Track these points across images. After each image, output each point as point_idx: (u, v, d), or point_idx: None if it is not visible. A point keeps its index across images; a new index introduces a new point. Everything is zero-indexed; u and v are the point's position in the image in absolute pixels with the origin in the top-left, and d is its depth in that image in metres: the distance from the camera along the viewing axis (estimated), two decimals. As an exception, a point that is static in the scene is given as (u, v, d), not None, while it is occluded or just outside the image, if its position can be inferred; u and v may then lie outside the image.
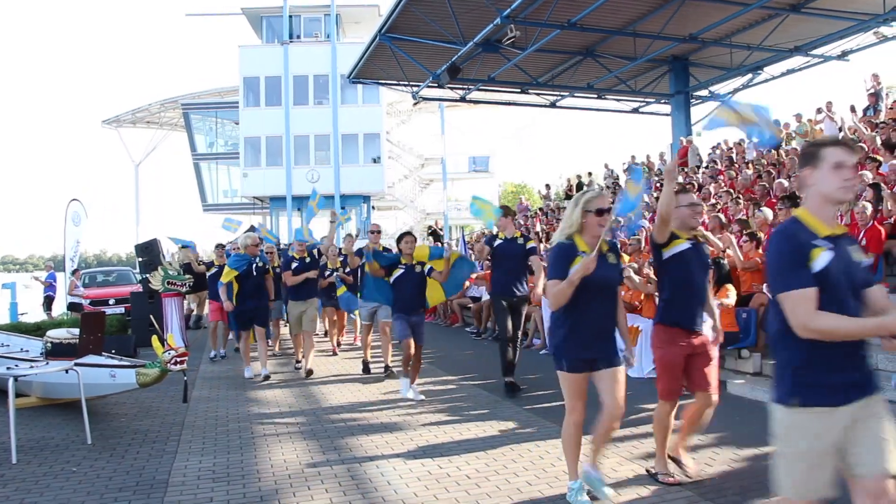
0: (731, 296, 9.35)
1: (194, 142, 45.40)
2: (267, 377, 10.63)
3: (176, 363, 7.03)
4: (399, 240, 9.37)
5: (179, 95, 46.55)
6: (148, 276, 15.47)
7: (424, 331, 9.23)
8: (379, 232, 11.13)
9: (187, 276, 14.75)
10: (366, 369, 11.19)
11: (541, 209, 27.29)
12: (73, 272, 20.65)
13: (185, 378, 7.69)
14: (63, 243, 20.29)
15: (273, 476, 5.94)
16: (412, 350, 8.92)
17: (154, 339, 7.27)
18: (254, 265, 10.97)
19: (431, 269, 9.07)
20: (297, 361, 11.84)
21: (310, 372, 10.87)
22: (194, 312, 18.42)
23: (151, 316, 9.61)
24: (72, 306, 18.88)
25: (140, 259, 18.17)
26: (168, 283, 14.26)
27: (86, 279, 23.05)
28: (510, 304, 9.21)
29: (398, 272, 9.08)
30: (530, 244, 9.37)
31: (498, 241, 9.33)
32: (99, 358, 8.19)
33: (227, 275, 10.87)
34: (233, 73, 43.56)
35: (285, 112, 38.51)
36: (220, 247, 14.95)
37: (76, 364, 7.52)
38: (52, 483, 6.04)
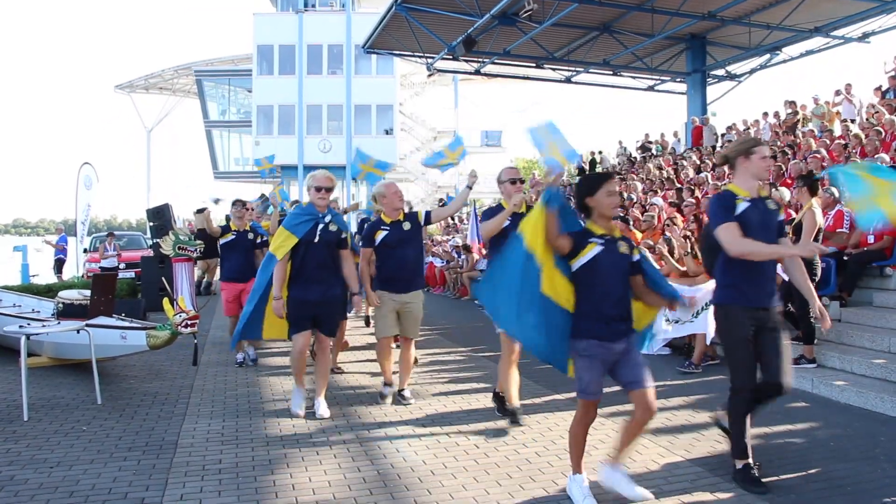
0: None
1: (207, 109, 45.36)
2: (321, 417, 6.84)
3: (187, 326, 7.04)
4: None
5: (193, 62, 46.45)
6: (159, 240, 15.48)
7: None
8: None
9: (198, 242, 14.74)
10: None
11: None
12: (108, 235, 20.76)
13: (196, 341, 7.72)
14: (74, 207, 20.32)
15: (281, 441, 5.96)
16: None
17: (165, 301, 7.29)
18: (321, 226, 6.70)
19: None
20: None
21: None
22: (205, 279, 18.47)
23: (164, 279, 9.61)
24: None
25: (151, 224, 18.19)
26: (179, 248, 14.23)
27: (96, 243, 23.14)
28: None
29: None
30: None
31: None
32: (110, 319, 8.22)
33: (282, 245, 6.63)
34: (247, 41, 43.39)
35: (299, 81, 38.37)
36: (239, 204, 10.11)
37: (87, 325, 7.53)
38: (62, 441, 6.08)
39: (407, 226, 7.13)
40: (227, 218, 10.28)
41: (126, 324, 8.01)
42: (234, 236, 9.74)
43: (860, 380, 7.53)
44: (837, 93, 18.29)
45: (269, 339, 7.86)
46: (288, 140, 38.44)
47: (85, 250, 21.44)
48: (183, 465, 5.41)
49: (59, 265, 22.52)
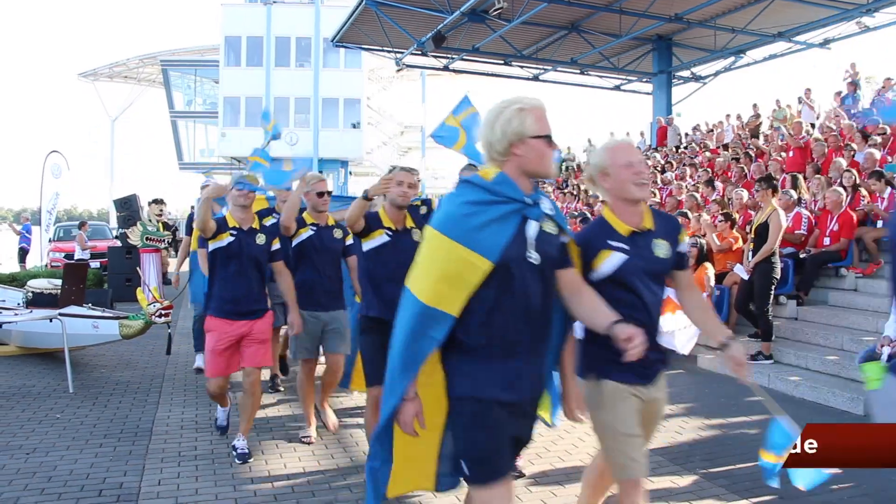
0: (709, 274, 9.60)
1: (172, 99, 44.95)
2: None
3: (160, 315, 7.12)
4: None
5: (159, 52, 46.03)
6: (126, 231, 15.44)
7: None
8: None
9: (166, 233, 14.74)
10: None
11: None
12: (81, 225, 20.55)
13: (169, 331, 7.78)
14: (40, 195, 20.11)
15: (255, 430, 6.06)
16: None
17: (139, 291, 7.35)
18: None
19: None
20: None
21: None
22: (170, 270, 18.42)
23: (138, 269, 9.64)
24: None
25: (119, 214, 18.08)
26: (147, 238, 14.25)
27: (60, 233, 22.89)
28: None
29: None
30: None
31: None
32: (82, 309, 8.26)
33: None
34: (214, 32, 43.04)
35: (266, 73, 38.20)
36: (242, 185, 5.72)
37: (61, 314, 7.58)
38: (37, 428, 6.14)
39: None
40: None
41: (98, 313, 8.05)
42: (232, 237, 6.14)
43: (814, 375, 7.85)
44: (799, 100, 18.75)
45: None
46: (254, 132, 38.20)
47: (49, 240, 21.21)
48: (159, 451, 5.52)
49: (22, 254, 22.27)
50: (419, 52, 24.07)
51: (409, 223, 4.86)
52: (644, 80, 26.87)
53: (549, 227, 2.75)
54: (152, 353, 9.33)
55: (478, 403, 2.63)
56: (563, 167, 24.99)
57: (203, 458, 5.38)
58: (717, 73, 25.66)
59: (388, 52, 25.88)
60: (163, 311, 7.12)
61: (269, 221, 6.21)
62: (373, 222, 4.77)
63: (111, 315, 8.01)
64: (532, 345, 2.71)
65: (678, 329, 8.29)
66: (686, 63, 25.07)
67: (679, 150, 20.60)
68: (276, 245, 5.48)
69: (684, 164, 17.64)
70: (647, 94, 26.98)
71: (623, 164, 3.12)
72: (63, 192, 21.19)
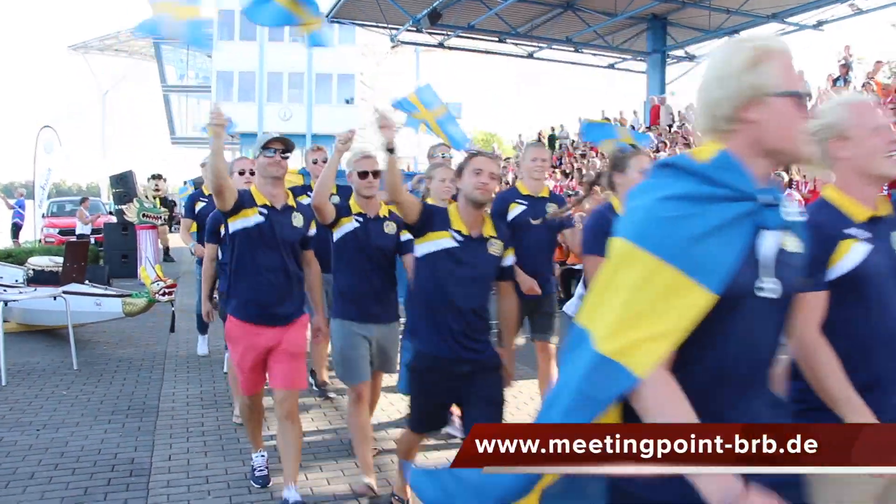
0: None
1: (164, 73, 44.73)
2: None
3: (164, 294, 7.25)
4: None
5: (151, 24, 45.61)
6: (123, 207, 15.52)
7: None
8: None
9: (163, 209, 14.85)
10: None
11: (508, 159, 27.49)
12: (82, 201, 20.56)
13: (173, 308, 7.91)
14: (33, 171, 20.11)
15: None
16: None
17: (142, 269, 7.49)
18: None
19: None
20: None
21: None
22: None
23: (142, 246, 9.71)
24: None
25: (115, 190, 18.14)
26: (143, 215, 14.36)
27: (54, 208, 22.90)
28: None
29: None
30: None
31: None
32: (84, 286, 8.38)
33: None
34: (207, 4, 42.72)
35: (260, 48, 38.04)
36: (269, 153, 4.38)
37: (65, 292, 7.69)
38: (44, 404, 6.28)
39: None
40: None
41: (101, 291, 8.18)
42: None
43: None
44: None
45: None
46: (248, 107, 38.13)
47: (43, 215, 21.23)
48: (167, 427, 5.68)
49: (15, 229, 22.29)
50: (414, 29, 24.06)
51: (489, 230, 3.77)
52: (638, 58, 26.90)
53: (792, 244, 1.78)
54: (153, 330, 9.45)
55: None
56: (557, 145, 25.09)
57: (211, 433, 5.54)
58: (711, 53, 25.72)
59: (384, 28, 25.84)
60: (167, 290, 7.25)
61: (304, 200, 4.94)
62: (436, 221, 3.70)
63: (114, 293, 8.14)
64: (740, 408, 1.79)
65: None
66: (680, 42, 25.11)
67: (672, 130, 20.71)
68: (313, 229, 4.36)
69: (677, 144, 17.77)
70: (641, 72, 27.01)
71: (871, 127, 2.36)
72: (55, 167, 21.16)
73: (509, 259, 3.86)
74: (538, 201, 5.33)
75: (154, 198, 15.10)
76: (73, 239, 15.59)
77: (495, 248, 3.75)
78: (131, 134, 56.97)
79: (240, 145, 40.24)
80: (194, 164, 38.88)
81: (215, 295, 5.44)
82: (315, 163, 6.29)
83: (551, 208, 5.25)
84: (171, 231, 18.95)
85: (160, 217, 14.71)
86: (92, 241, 17.91)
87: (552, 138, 26.68)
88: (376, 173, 4.51)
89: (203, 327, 8.02)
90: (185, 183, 23.67)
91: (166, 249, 18.35)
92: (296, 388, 4.23)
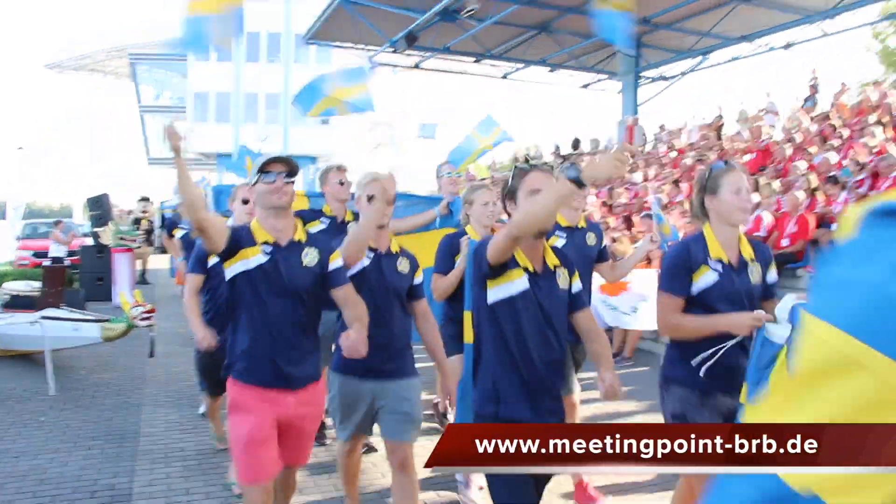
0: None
1: (140, 93, 44.61)
2: None
3: (143, 319, 7.27)
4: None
5: (127, 44, 45.61)
6: (98, 230, 15.46)
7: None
8: None
9: (139, 232, 14.83)
10: None
11: (483, 179, 27.66)
12: (56, 224, 20.41)
13: (152, 334, 7.91)
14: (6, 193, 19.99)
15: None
16: None
17: (122, 294, 7.50)
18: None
19: None
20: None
21: None
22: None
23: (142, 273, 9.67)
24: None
25: (91, 213, 18.07)
26: (120, 237, 14.34)
27: (27, 230, 22.72)
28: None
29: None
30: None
31: None
32: (62, 311, 8.36)
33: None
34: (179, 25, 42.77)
35: (236, 68, 38.08)
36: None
37: (43, 317, 7.69)
38: (22, 431, 6.28)
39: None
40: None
41: (79, 316, 8.18)
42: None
43: (774, 373, 8.20)
44: (762, 111, 19.25)
45: None
46: (223, 127, 38.12)
47: (17, 237, 21.06)
48: (147, 452, 5.70)
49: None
50: (391, 51, 24.25)
51: (552, 259, 3.16)
52: (612, 79, 27.27)
53: None
54: (131, 355, 9.42)
55: None
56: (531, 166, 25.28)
57: (191, 458, 5.57)
58: (683, 74, 26.13)
59: (361, 49, 26.03)
60: (146, 315, 7.27)
61: (314, 227, 4.75)
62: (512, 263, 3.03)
63: (92, 318, 8.13)
64: None
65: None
66: (653, 63, 25.49)
67: (645, 150, 21.00)
68: (335, 262, 3.49)
69: (651, 164, 18.04)
70: (615, 93, 27.39)
71: None
72: (27, 188, 21.04)
73: (577, 285, 3.24)
74: (576, 232, 4.71)
75: (141, 220, 15.13)
76: (48, 262, 15.51)
77: (563, 279, 3.16)
78: (106, 153, 56.58)
79: (216, 165, 40.17)
80: (171, 185, 38.73)
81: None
82: (342, 184, 5.18)
83: (591, 239, 4.74)
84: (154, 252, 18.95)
85: (136, 240, 14.69)
86: (67, 263, 17.84)
87: (526, 159, 26.92)
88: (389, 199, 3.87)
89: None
90: (160, 205, 23.62)
91: (143, 272, 18.28)
92: (299, 465, 3.70)
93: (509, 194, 3.18)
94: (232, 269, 3.32)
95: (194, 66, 38.65)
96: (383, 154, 47.20)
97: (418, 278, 4.00)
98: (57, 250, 18.44)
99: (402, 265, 3.95)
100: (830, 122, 14.18)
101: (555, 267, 3.13)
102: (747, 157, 14.31)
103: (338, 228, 4.94)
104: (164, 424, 6.45)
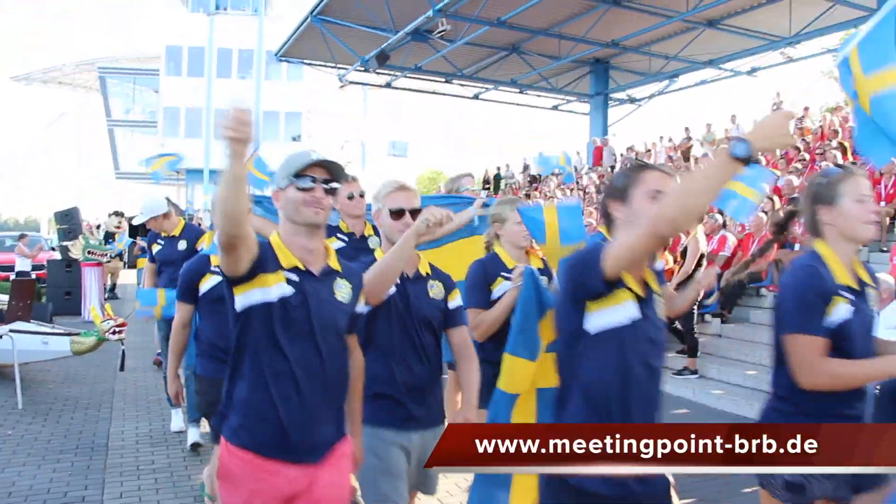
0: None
1: (109, 107, 44.34)
2: None
3: (115, 332, 7.28)
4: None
5: (96, 58, 45.39)
6: (68, 244, 15.35)
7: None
8: None
9: (108, 247, 14.76)
10: None
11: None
12: (20, 237, 20.16)
13: (123, 347, 7.90)
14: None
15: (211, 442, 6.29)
16: None
17: (93, 308, 7.50)
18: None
19: None
20: None
21: None
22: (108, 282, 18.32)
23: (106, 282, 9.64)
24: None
25: (59, 227, 17.91)
26: (89, 252, 14.26)
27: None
28: None
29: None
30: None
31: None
32: (31, 325, 8.33)
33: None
34: (155, 40, 42.65)
35: (207, 84, 38.01)
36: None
37: (12, 331, 7.67)
38: (-11, 444, 6.25)
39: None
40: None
41: (49, 329, 8.15)
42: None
43: (735, 389, 8.44)
44: (728, 131, 19.68)
45: None
46: (194, 143, 37.98)
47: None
48: (117, 465, 5.71)
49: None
50: (362, 69, 24.42)
51: (654, 281, 2.47)
52: (581, 100, 27.68)
53: None
54: (99, 368, 9.40)
55: None
56: (503, 184, 25.54)
57: (162, 470, 5.59)
58: (651, 96, 26.63)
59: (332, 67, 26.18)
60: (117, 328, 7.28)
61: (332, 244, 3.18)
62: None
63: (62, 331, 8.11)
64: None
65: None
66: (622, 86, 25.96)
67: (615, 171, 21.32)
68: (362, 304, 2.79)
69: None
70: (584, 114, 27.80)
71: None
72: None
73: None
74: None
75: (114, 235, 15.03)
76: (12, 275, 15.36)
77: (661, 309, 2.49)
78: (74, 167, 56.04)
79: (185, 181, 39.97)
80: (140, 200, 38.42)
81: (180, 371, 4.55)
82: (350, 198, 4.42)
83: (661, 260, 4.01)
84: (125, 267, 18.86)
85: (106, 254, 14.61)
86: (33, 276, 17.67)
87: (497, 178, 27.14)
88: (415, 212, 3.16)
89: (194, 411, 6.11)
90: (129, 223, 23.44)
91: (112, 286, 18.14)
92: None
93: (617, 193, 2.49)
94: (245, 298, 2.48)
95: (165, 81, 38.54)
96: (352, 171, 47.20)
97: (454, 301, 3.26)
98: (22, 264, 18.27)
99: (435, 290, 3.23)
100: (794, 146, 14.56)
101: (654, 293, 2.44)
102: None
103: (358, 245, 4.27)
104: (134, 437, 6.46)
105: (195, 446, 6.03)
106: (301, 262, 2.55)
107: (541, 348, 3.06)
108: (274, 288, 2.47)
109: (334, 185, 2.59)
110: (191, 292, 4.22)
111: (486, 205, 4.91)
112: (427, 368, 3.15)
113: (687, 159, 18.83)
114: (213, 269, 4.20)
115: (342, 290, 2.65)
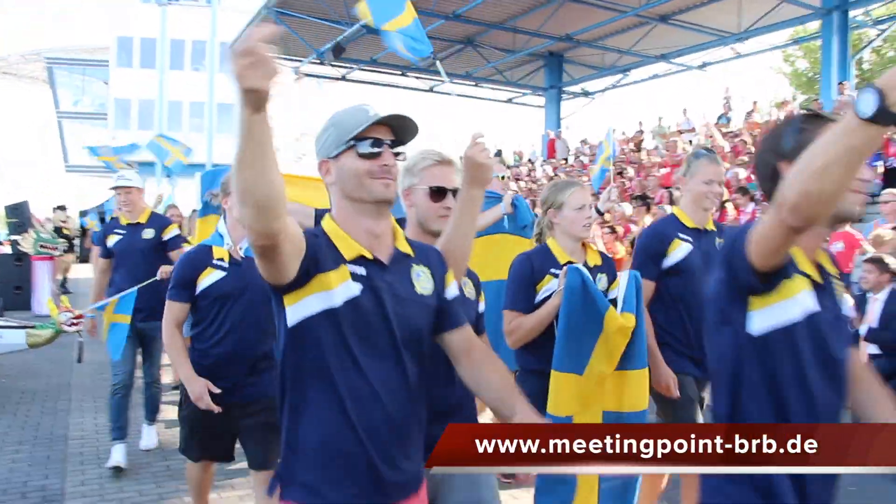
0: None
1: (58, 98, 43.51)
2: None
3: (72, 325, 7.25)
4: None
5: (44, 49, 44.48)
6: (18, 237, 15.15)
7: None
8: None
9: (60, 240, 14.60)
10: None
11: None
12: None
13: (81, 339, 7.87)
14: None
15: (171, 433, 6.31)
16: None
17: (49, 301, 7.47)
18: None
19: None
20: None
21: None
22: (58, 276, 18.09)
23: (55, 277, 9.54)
24: None
25: (9, 220, 17.64)
26: (41, 245, 14.09)
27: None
28: None
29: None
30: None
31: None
32: (-16, 318, 8.27)
33: None
34: (105, 30, 41.92)
35: (160, 75, 37.53)
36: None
37: (-35, 324, 7.61)
38: (-54, 437, 6.24)
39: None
40: None
41: (2, 322, 8.09)
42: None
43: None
44: (681, 132, 20.08)
45: None
46: (146, 135, 37.44)
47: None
48: (77, 455, 5.76)
49: None
50: (318, 62, 24.37)
51: (829, 264, 2.04)
52: (536, 93, 27.96)
53: None
54: (54, 361, 9.34)
55: None
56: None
57: (122, 460, 5.63)
58: (604, 90, 27.02)
59: (287, 59, 26.05)
60: (74, 321, 7.25)
61: None
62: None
63: (16, 324, 8.06)
64: None
65: None
66: (576, 79, 26.29)
67: (568, 163, 21.62)
68: (452, 288, 2.21)
69: (572, 177, 18.60)
70: (539, 107, 28.10)
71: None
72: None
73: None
74: (705, 236, 3.72)
75: (62, 229, 14.85)
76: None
77: (839, 295, 2.02)
78: (20, 160, 54.89)
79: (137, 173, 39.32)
80: (91, 193, 37.83)
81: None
82: None
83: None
84: (76, 261, 18.64)
85: (57, 248, 14.45)
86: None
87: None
88: (455, 192, 2.55)
89: (152, 413, 6.10)
90: (82, 214, 23.16)
91: (64, 281, 17.92)
92: None
93: (789, 153, 1.83)
94: (298, 310, 1.90)
95: (116, 73, 37.94)
96: (308, 163, 47.04)
97: (482, 304, 2.79)
98: None
99: (468, 289, 2.69)
100: (742, 139, 14.97)
101: (831, 278, 1.98)
102: (663, 171, 14.95)
103: None
104: (94, 428, 6.50)
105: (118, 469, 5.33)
106: (368, 250, 1.97)
107: (605, 363, 2.78)
108: (338, 290, 1.89)
109: (401, 148, 2.04)
110: (188, 288, 3.57)
111: (514, 204, 4.65)
112: (452, 383, 2.47)
113: (638, 150, 19.21)
114: (215, 262, 3.55)
115: (421, 280, 2.07)
